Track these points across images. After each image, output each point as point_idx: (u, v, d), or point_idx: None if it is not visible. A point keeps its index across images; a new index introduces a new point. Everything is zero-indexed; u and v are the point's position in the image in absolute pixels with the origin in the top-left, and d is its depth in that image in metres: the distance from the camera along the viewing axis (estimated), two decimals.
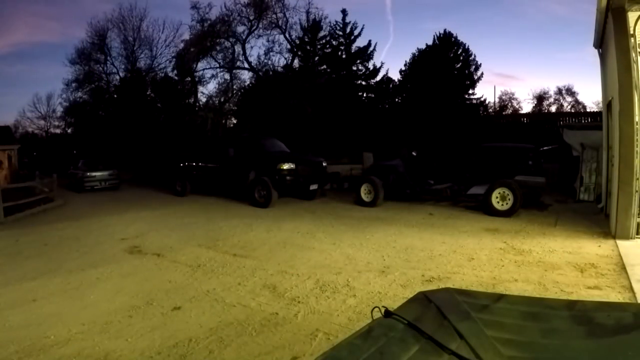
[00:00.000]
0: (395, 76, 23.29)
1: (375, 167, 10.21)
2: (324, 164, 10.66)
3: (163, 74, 24.04)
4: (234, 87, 22.26)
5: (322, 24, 21.93)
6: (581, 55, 37.75)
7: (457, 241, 5.83)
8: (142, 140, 21.39)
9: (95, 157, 18.34)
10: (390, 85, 23.22)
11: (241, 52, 21.34)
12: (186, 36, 21.67)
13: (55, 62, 56.12)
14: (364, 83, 23.21)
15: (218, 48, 21.05)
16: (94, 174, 14.82)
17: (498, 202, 7.56)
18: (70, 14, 41.22)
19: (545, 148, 9.81)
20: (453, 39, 22.35)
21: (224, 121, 22.81)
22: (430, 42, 22.48)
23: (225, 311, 3.66)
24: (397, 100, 23.29)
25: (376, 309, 1.27)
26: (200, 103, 23.27)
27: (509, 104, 26.34)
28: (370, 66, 22.98)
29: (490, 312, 1.27)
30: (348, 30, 22.72)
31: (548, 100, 25.79)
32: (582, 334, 1.14)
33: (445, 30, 22.45)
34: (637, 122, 5.31)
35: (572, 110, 23.65)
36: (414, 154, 10.22)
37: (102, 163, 16.01)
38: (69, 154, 25.35)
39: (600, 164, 8.59)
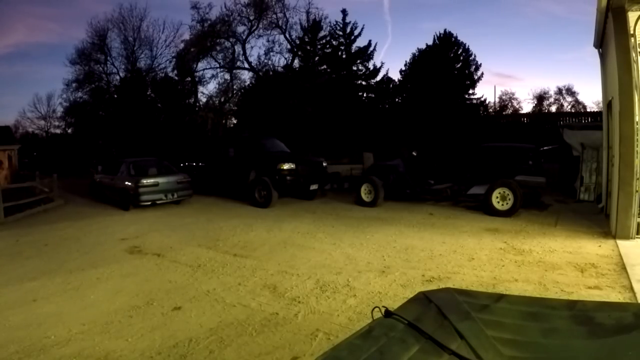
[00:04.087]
0: (395, 76, 23.34)
1: (376, 167, 10.20)
2: (324, 164, 10.65)
3: (163, 74, 24.09)
4: (234, 87, 22.28)
5: (322, 24, 21.96)
6: (581, 55, 37.85)
7: (458, 241, 5.83)
8: (142, 140, 21.39)
9: (144, 155, 13.77)
10: (391, 85, 23.23)
11: (241, 52, 21.37)
12: (186, 36, 21.73)
13: (55, 62, 56.14)
14: (364, 83, 23.22)
15: (218, 48, 21.08)
16: (155, 181, 9.69)
17: (498, 202, 7.55)
18: (70, 15, 41.32)
19: (545, 148, 9.82)
20: (453, 39, 22.37)
21: (224, 121, 22.81)
22: (429, 42, 22.56)
23: (225, 311, 3.66)
24: (397, 100, 23.30)
25: (376, 309, 1.27)
26: (201, 103, 23.31)
27: (509, 104, 26.42)
28: (371, 66, 23.01)
29: (491, 312, 1.27)
30: (348, 30, 22.74)
31: (548, 100, 25.87)
32: (582, 334, 1.14)
33: (445, 30, 22.50)
34: (637, 122, 5.31)
35: (572, 110, 23.69)
36: (414, 154, 10.22)
37: (158, 164, 10.77)
38: (69, 155, 25.26)
39: (600, 164, 8.59)
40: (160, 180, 9.79)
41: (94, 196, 11.70)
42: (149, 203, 9.59)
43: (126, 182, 9.88)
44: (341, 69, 22.46)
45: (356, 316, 3.43)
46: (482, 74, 22.43)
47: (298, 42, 21.85)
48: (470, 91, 22.49)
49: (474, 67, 22.43)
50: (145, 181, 9.58)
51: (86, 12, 39.72)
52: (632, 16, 5.32)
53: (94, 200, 11.50)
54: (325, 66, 22.55)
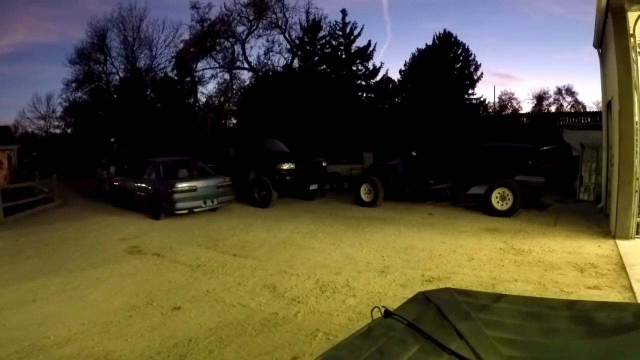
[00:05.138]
0: (395, 76, 23.36)
1: (375, 167, 10.20)
2: (323, 164, 10.65)
3: (163, 74, 24.10)
4: (234, 87, 22.27)
5: (321, 24, 21.97)
6: (580, 55, 37.88)
7: (457, 241, 5.83)
8: (141, 140, 21.38)
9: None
10: (390, 85, 23.25)
11: (241, 52, 21.36)
12: (186, 36, 21.72)
13: (54, 62, 56.19)
14: (363, 83, 23.24)
15: (218, 48, 21.06)
16: (193, 185, 8.25)
17: (498, 202, 7.55)
18: (69, 15, 41.34)
19: (545, 148, 9.81)
20: (453, 39, 22.40)
21: (223, 121, 22.81)
22: (429, 42, 22.61)
23: (225, 311, 3.66)
24: (397, 100, 23.32)
25: (376, 309, 1.27)
26: (200, 103, 23.30)
27: (509, 104, 26.41)
28: (370, 66, 23.04)
29: (490, 312, 1.27)
30: (348, 30, 22.76)
31: (548, 100, 25.87)
32: (582, 334, 1.14)
33: (445, 30, 22.54)
34: (636, 122, 5.31)
35: (572, 110, 23.69)
36: (414, 154, 10.21)
37: (191, 165, 9.35)
38: (68, 155, 25.21)
39: (600, 163, 8.59)
40: (198, 184, 8.29)
41: (112, 201, 10.35)
42: (186, 211, 8.16)
43: (157, 187, 8.40)
44: (341, 69, 22.47)
45: (356, 316, 3.43)
46: (482, 74, 22.50)
47: (298, 42, 21.85)
48: (470, 91, 22.52)
49: (473, 67, 22.47)
50: (180, 185, 8.06)
51: (86, 12, 39.90)
52: (631, 16, 5.32)
53: (113, 205, 10.15)
54: (324, 66, 22.56)
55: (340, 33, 22.81)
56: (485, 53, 37.51)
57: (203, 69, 22.30)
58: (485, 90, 53.12)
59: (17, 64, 44.65)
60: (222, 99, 22.36)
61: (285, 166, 9.57)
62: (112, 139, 20.35)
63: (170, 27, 32.11)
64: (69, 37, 47.99)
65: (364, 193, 9.30)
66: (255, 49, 28.88)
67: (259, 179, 9.63)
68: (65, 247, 6.35)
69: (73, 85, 24.83)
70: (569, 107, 24.83)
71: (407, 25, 36.73)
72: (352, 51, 22.77)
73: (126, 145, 20.58)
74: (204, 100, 23.22)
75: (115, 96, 24.74)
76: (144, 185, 8.93)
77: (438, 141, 15.27)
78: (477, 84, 22.45)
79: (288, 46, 21.48)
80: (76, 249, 6.20)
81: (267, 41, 21.18)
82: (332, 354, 1.04)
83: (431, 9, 34.03)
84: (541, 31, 35.26)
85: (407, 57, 23.28)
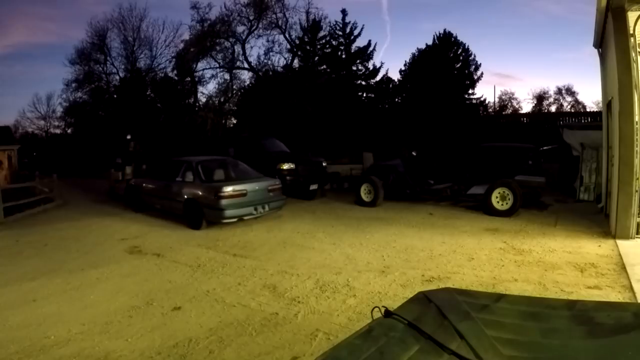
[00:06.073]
0: (395, 76, 23.36)
1: (375, 167, 10.21)
2: (323, 164, 10.66)
3: (163, 74, 24.14)
4: (234, 87, 22.31)
5: (321, 24, 22.03)
6: (580, 55, 37.83)
7: (457, 241, 5.83)
8: (141, 140, 21.35)
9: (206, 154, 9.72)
10: (390, 85, 23.25)
11: (241, 52, 21.40)
12: (186, 36, 21.79)
13: (54, 62, 56.29)
14: (363, 83, 23.23)
15: (218, 48, 21.11)
16: (243, 188, 7.09)
17: (498, 202, 7.55)
18: (69, 16, 41.31)
19: (545, 148, 9.82)
20: (453, 39, 22.39)
21: (224, 121, 22.83)
22: (429, 42, 22.61)
23: (225, 311, 3.66)
24: (397, 100, 23.32)
25: (376, 309, 1.27)
26: (200, 103, 23.34)
27: (509, 104, 26.39)
28: (370, 66, 23.04)
29: (490, 312, 1.27)
30: (348, 30, 22.75)
31: (548, 100, 25.86)
32: (582, 333, 1.14)
33: (445, 30, 22.53)
34: (637, 122, 5.31)
35: (572, 110, 23.68)
36: (414, 154, 10.22)
37: (233, 166, 8.07)
38: (68, 155, 25.17)
39: (600, 163, 8.59)
40: (248, 187, 7.12)
41: (131, 205, 9.35)
42: (235, 220, 7.03)
43: (197, 191, 7.24)
44: (341, 69, 22.48)
45: (356, 316, 3.43)
46: (482, 74, 22.50)
47: (298, 42, 21.88)
48: (470, 91, 22.52)
49: (473, 67, 22.46)
50: (228, 190, 6.87)
51: (86, 13, 39.97)
52: (631, 16, 5.32)
53: (133, 210, 9.17)
54: (325, 66, 22.58)
55: (340, 33, 22.81)
56: (485, 53, 37.49)
57: (203, 69, 22.39)
58: (485, 90, 53.10)
59: (17, 64, 44.65)
60: (222, 99, 22.40)
61: (286, 166, 9.58)
62: (129, 137, 18.35)
63: (170, 27, 32.16)
64: (69, 37, 48.06)
65: (364, 193, 9.29)
66: (255, 49, 28.97)
67: None
68: (66, 247, 6.35)
69: (73, 85, 24.93)
70: (569, 107, 24.84)
71: (407, 25, 36.76)
72: (352, 51, 22.77)
73: (143, 143, 19.58)
74: (204, 100, 23.29)
75: (115, 96, 24.77)
76: (177, 189, 7.67)
77: (438, 141, 15.29)
78: (477, 84, 22.48)
79: (288, 46, 21.56)
80: (76, 249, 6.19)
81: (267, 41, 21.28)
82: (332, 354, 1.04)
83: (431, 9, 34.04)
84: (541, 31, 35.27)
85: (407, 57, 23.33)
